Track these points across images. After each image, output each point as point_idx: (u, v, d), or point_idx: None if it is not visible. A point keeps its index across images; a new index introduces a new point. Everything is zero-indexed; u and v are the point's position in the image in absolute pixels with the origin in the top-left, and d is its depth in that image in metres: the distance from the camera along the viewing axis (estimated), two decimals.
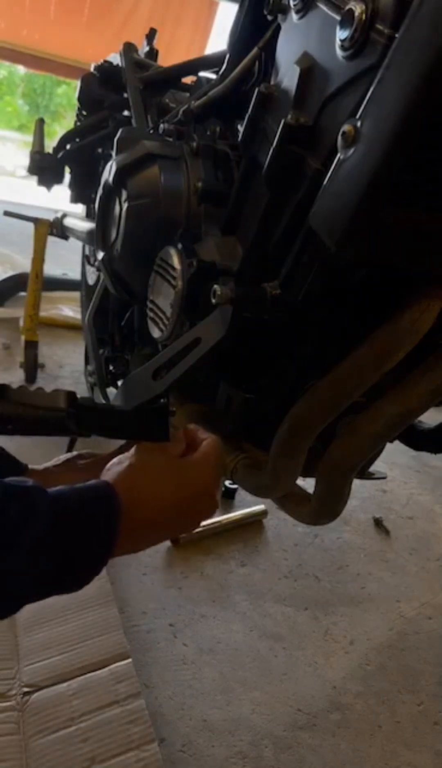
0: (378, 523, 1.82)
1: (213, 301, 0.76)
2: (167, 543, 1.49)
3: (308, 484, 0.92)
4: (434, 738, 1.14)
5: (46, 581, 0.51)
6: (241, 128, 0.89)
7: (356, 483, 0.90)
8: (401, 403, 0.81)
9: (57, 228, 1.88)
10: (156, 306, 0.97)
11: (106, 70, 1.46)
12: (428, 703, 1.22)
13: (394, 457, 2.14)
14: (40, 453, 1.63)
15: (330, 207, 0.60)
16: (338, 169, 0.58)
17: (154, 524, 0.61)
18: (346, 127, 0.56)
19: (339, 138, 0.56)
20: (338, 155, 0.57)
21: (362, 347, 0.75)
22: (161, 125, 1.07)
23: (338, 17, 0.59)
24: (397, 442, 1.07)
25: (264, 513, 1.67)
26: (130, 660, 1.03)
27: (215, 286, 0.76)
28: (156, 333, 0.96)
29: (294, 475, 0.93)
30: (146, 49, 1.53)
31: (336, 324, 0.79)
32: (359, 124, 0.55)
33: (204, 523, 1.57)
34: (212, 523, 1.58)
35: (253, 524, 1.65)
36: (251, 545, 1.57)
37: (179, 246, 0.93)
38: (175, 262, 0.91)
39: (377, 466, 1.13)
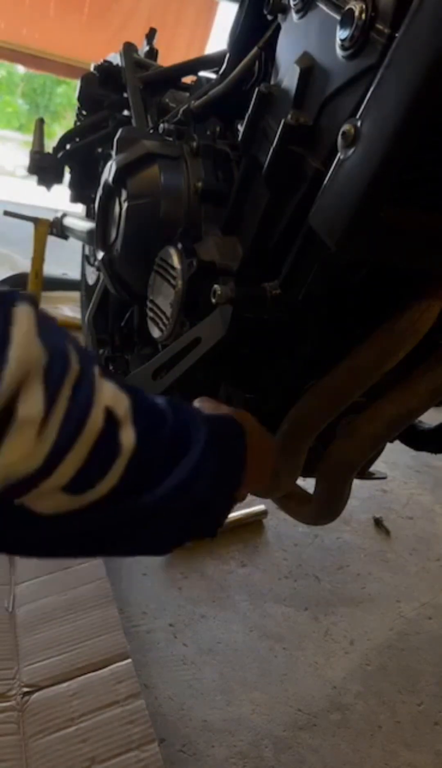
0: (378, 523, 1.82)
1: (213, 301, 0.76)
2: None
3: (308, 484, 0.92)
4: (435, 738, 1.14)
5: (200, 506, 0.55)
6: (241, 128, 0.89)
7: (356, 483, 0.90)
8: (401, 403, 0.81)
9: (57, 228, 1.88)
10: (156, 306, 0.97)
11: (106, 69, 1.46)
12: (428, 703, 1.22)
13: (394, 457, 2.13)
14: None
15: (330, 207, 0.60)
16: (338, 169, 0.58)
17: (256, 468, 0.65)
18: (346, 127, 0.56)
19: (339, 138, 0.56)
20: (338, 155, 0.57)
21: (363, 347, 0.75)
22: (161, 125, 1.07)
23: (338, 17, 0.59)
24: (397, 442, 1.07)
25: (264, 513, 1.67)
26: (130, 660, 1.03)
27: (215, 286, 0.76)
28: (156, 333, 0.96)
29: (294, 475, 0.93)
30: (146, 48, 1.52)
31: (336, 324, 0.79)
32: (359, 123, 0.55)
33: None
34: None
35: (253, 524, 1.65)
36: (251, 545, 1.57)
37: (179, 246, 0.93)
38: (175, 262, 0.90)
39: (377, 466, 1.13)
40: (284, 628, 1.32)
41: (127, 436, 0.47)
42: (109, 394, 0.47)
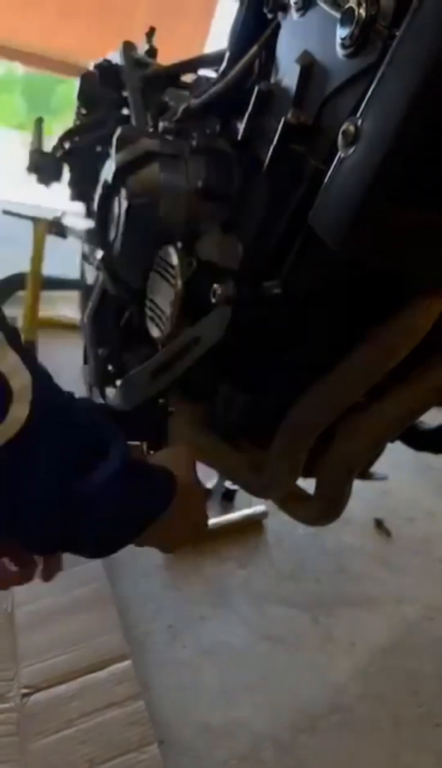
0: (379, 524, 1.82)
1: (213, 300, 0.76)
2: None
3: (308, 484, 0.92)
4: (436, 740, 1.14)
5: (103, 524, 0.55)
6: (241, 126, 0.88)
7: (357, 484, 0.89)
8: (402, 403, 0.80)
9: (56, 227, 1.88)
10: (155, 305, 0.96)
11: (105, 68, 1.45)
12: (429, 705, 1.21)
13: (395, 457, 2.12)
14: None
15: (330, 206, 0.59)
16: (339, 168, 0.57)
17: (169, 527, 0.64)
18: (346, 126, 0.55)
19: (340, 137, 0.56)
20: (339, 154, 0.57)
21: (364, 347, 0.75)
22: (161, 124, 1.06)
23: (338, 15, 0.58)
24: (398, 443, 1.07)
25: (264, 514, 1.67)
26: (129, 662, 1.02)
27: (215, 286, 0.76)
28: (155, 332, 0.96)
29: (294, 476, 0.92)
30: (146, 47, 1.52)
31: (337, 324, 0.79)
32: (359, 122, 0.54)
33: None
34: (212, 524, 1.57)
35: (253, 525, 1.65)
36: (252, 546, 1.57)
37: (179, 245, 0.92)
38: (175, 261, 0.90)
39: (378, 467, 1.13)
40: (285, 629, 1.32)
41: (18, 410, 0.45)
42: (11, 362, 0.45)
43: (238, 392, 0.91)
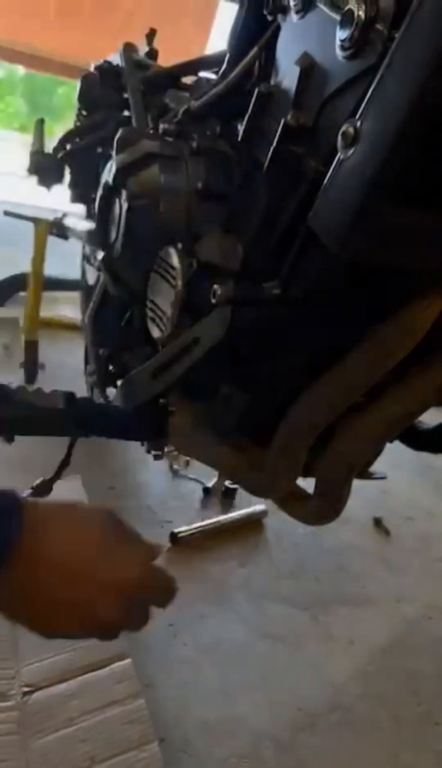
0: (378, 523, 1.82)
1: (213, 301, 0.76)
2: (166, 543, 1.49)
3: (307, 484, 0.92)
4: (436, 739, 1.14)
5: None
6: (241, 128, 0.89)
7: (357, 483, 0.90)
8: (401, 403, 0.81)
9: (57, 228, 1.88)
10: (156, 306, 0.97)
11: (106, 70, 1.46)
12: (428, 704, 1.22)
13: (394, 457, 2.13)
14: (39, 453, 1.64)
15: (330, 207, 0.60)
16: (338, 170, 0.58)
17: (44, 581, 0.48)
18: (346, 128, 0.56)
19: (339, 138, 0.56)
20: (338, 155, 0.57)
21: (363, 347, 0.75)
22: (161, 125, 1.07)
23: (337, 17, 0.59)
24: (397, 443, 1.07)
25: (264, 513, 1.67)
26: (129, 660, 1.03)
27: (215, 286, 0.76)
28: (156, 333, 0.96)
29: (294, 475, 0.93)
30: (146, 49, 1.52)
31: (336, 324, 0.79)
32: (359, 124, 0.55)
33: (204, 522, 1.57)
34: (212, 523, 1.58)
35: (253, 524, 1.65)
36: (251, 545, 1.57)
37: (179, 246, 0.93)
38: (175, 262, 0.91)
39: (377, 466, 1.13)
40: (284, 628, 1.32)
41: None
42: None
43: (238, 391, 0.91)
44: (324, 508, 0.92)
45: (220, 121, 1.03)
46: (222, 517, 1.61)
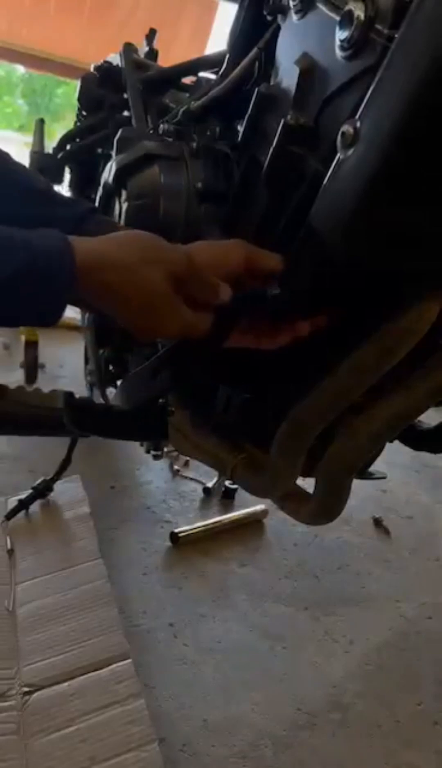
0: (378, 522, 1.82)
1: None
2: (167, 543, 1.49)
3: (307, 484, 0.92)
4: (434, 737, 1.14)
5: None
6: (241, 128, 0.89)
7: (356, 483, 0.90)
8: (400, 403, 0.81)
9: None
10: None
11: (106, 70, 1.46)
12: (427, 703, 1.22)
13: (394, 457, 2.13)
14: (40, 453, 1.64)
15: (330, 208, 0.60)
16: (338, 170, 0.58)
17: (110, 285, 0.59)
18: (345, 128, 0.56)
19: (338, 138, 0.57)
20: (338, 156, 0.57)
21: (363, 347, 0.75)
22: (161, 126, 1.07)
23: (337, 18, 0.59)
24: (396, 442, 1.07)
25: (264, 513, 1.67)
26: (130, 660, 1.03)
27: None
28: None
29: (294, 475, 0.93)
30: (146, 49, 1.53)
31: (336, 324, 0.79)
32: (358, 124, 0.55)
33: (204, 522, 1.58)
34: (213, 523, 1.58)
35: (253, 524, 1.65)
36: (251, 545, 1.57)
37: None
38: None
39: (377, 466, 1.13)
40: (284, 627, 1.32)
41: None
42: None
43: (237, 392, 0.92)
44: (324, 508, 0.92)
45: (220, 122, 1.03)
46: (222, 517, 1.61)
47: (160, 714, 1.04)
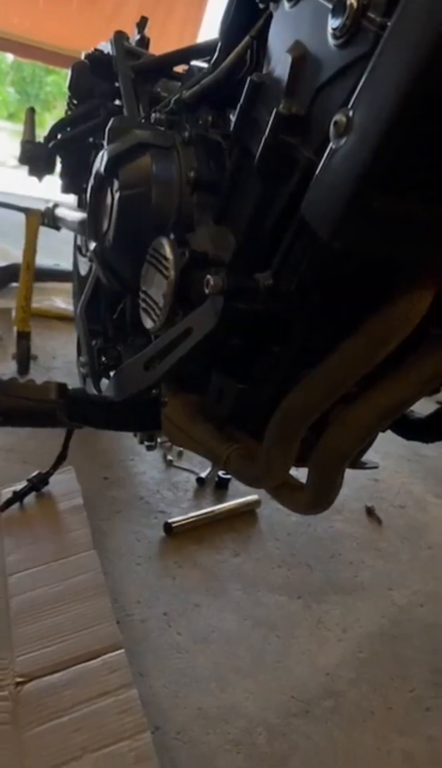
0: (370, 512, 1.83)
1: (206, 291, 0.77)
2: (161, 533, 1.49)
3: (300, 473, 0.93)
4: (426, 724, 1.15)
5: None
6: (233, 117, 0.89)
7: (349, 472, 0.90)
8: (393, 393, 0.81)
9: (49, 218, 1.87)
10: (148, 296, 0.97)
11: (97, 58, 1.45)
12: (420, 690, 1.23)
13: (386, 446, 2.14)
14: (34, 444, 1.64)
15: (322, 197, 0.60)
16: (330, 159, 0.58)
17: None
18: (338, 117, 0.56)
19: (331, 127, 0.56)
20: (330, 145, 0.57)
21: (355, 337, 0.76)
22: (153, 115, 1.07)
23: (329, 5, 0.59)
24: (389, 432, 1.08)
25: (257, 503, 1.68)
26: (122, 650, 1.03)
27: (208, 277, 0.76)
28: (148, 324, 0.96)
29: (287, 465, 0.93)
30: (137, 37, 1.51)
31: (329, 314, 0.79)
32: (351, 113, 0.55)
33: (198, 512, 1.58)
34: (206, 513, 1.58)
35: (246, 514, 1.66)
36: (245, 535, 1.58)
37: (171, 236, 0.93)
38: (168, 252, 0.90)
39: (370, 456, 1.14)
40: (277, 616, 1.33)
41: None
42: None
43: (230, 382, 0.92)
44: (317, 497, 0.92)
45: (212, 111, 1.02)
46: (216, 507, 1.62)
47: (154, 702, 1.05)
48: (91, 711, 0.92)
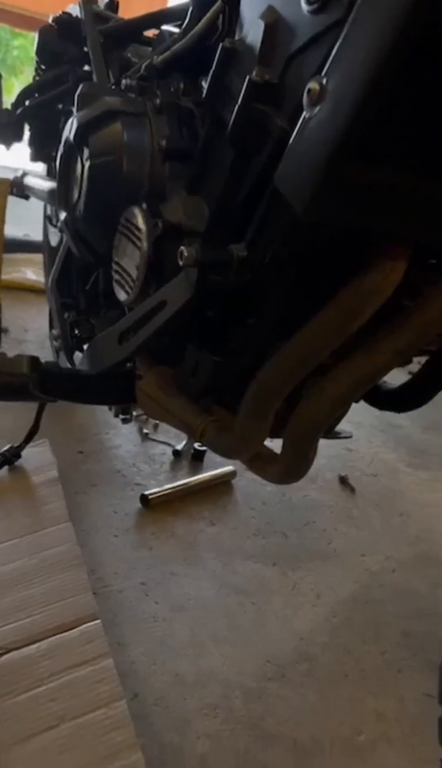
0: (344, 481, 1.86)
1: (180, 263, 0.76)
2: (137, 505, 1.50)
3: (275, 444, 0.93)
4: (398, 685, 1.19)
5: None
6: (205, 84, 0.87)
7: (323, 442, 0.91)
8: (366, 364, 0.82)
9: (17, 187, 1.83)
10: (121, 268, 0.96)
11: (65, 21, 1.40)
12: (391, 652, 1.27)
13: (359, 416, 2.17)
14: (5, 418, 1.62)
15: (296, 167, 0.59)
16: (304, 128, 0.57)
17: None
18: (311, 85, 0.55)
19: (304, 96, 0.56)
20: (304, 114, 0.57)
21: (328, 308, 0.76)
22: (123, 81, 1.04)
23: None
24: (362, 403, 1.09)
25: (233, 474, 1.69)
26: (99, 621, 1.04)
27: (182, 248, 0.76)
28: (122, 296, 0.95)
29: (262, 437, 0.94)
30: (106, 0, 1.47)
31: (304, 285, 0.79)
32: (324, 81, 0.54)
33: (174, 484, 1.59)
34: (182, 484, 1.59)
35: (222, 485, 1.67)
36: (220, 505, 1.59)
37: (144, 206, 0.91)
38: (141, 222, 0.89)
39: (343, 426, 1.15)
40: (253, 583, 1.35)
41: None
42: None
43: (205, 355, 0.92)
44: (291, 468, 0.94)
45: (184, 77, 1.00)
46: (192, 479, 1.63)
47: (133, 671, 1.06)
48: (67, 681, 0.93)
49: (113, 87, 1.15)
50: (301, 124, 0.57)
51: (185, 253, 0.75)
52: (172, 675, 1.08)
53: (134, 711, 0.94)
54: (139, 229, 0.89)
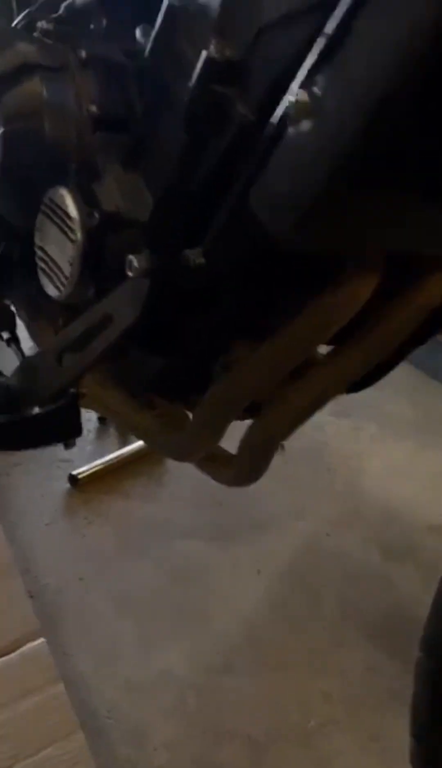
0: None
1: (129, 273, 0.65)
2: (66, 485, 1.41)
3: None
4: (340, 660, 1.19)
5: None
6: (142, 38, 0.74)
7: None
8: (332, 375, 0.76)
9: None
10: (49, 257, 0.82)
11: None
12: (332, 627, 1.26)
13: None
14: None
15: (278, 189, 0.50)
16: (289, 147, 0.47)
17: None
18: (299, 95, 0.45)
19: (292, 106, 0.45)
20: (289, 129, 0.47)
21: (295, 322, 0.68)
22: (39, 24, 0.87)
23: None
24: None
25: None
26: (43, 639, 0.96)
27: (130, 257, 0.65)
28: (52, 291, 0.83)
29: (215, 441, 0.87)
30: None
31: (265, 293, 0.71)
32: (317, 90, 0.44)
33: (103, 459, 1.50)
34: (111, 459, 1.51)
35: (153, 454, 1.60)
36: (154, 478, 1.52)
37: (73, 187, 0.78)
38: (72, 209, 0.76)
39: None
40: (194, 564, 1.31)
41: None
42: None
43: (152, 357, 0.83)
44: (246, 473, 0.89)
45: (114, 23, 0.85)
46: (121, 452, 1.54)
47: (82, 681, 1.01)
48: (16, 715, 0.86)
49: (24, 31, 0.96)
50: (284, 141, 0.48)
51: (135, 263, 0.64)
52: (123, 680, 1.04)
53: (89, 727, 0.90)
54: (70, 218, 0.76)
